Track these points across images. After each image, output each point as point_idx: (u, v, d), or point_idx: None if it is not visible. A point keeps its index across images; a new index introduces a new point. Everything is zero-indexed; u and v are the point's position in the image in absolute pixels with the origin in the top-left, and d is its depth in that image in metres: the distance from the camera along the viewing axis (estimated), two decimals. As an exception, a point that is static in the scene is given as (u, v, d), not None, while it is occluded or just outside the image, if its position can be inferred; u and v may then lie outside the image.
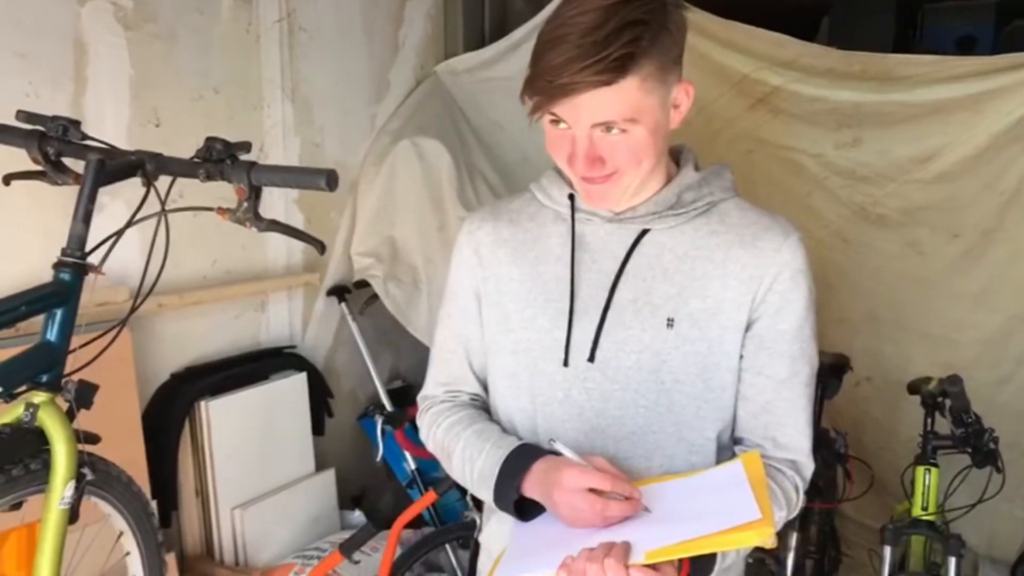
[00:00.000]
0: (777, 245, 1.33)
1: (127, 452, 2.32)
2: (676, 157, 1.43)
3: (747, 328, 1.34)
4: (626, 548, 1.13)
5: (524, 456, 1.31)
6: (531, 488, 1.28)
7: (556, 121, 1.27)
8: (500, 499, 1.32)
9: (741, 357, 1.36)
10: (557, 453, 1.27)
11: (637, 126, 1.25)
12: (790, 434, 1.37)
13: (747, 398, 1.37)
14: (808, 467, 1.39)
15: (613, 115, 1.23)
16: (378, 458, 3.22)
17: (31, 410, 1.56)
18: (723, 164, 1.44)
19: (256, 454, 2.87)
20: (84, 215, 1.58)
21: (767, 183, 3.17)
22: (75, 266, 1.59)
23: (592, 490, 1.21)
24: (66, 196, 1.85)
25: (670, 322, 1.33)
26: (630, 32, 1.19)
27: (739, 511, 1.17)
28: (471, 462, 1.38)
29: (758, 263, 1.33)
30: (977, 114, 2.89)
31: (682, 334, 1.33)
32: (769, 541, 1.13)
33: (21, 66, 2.21)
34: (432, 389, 1.54)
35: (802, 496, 1.38)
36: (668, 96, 1.28)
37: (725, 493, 1.23)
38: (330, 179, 1.52)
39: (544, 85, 1.22)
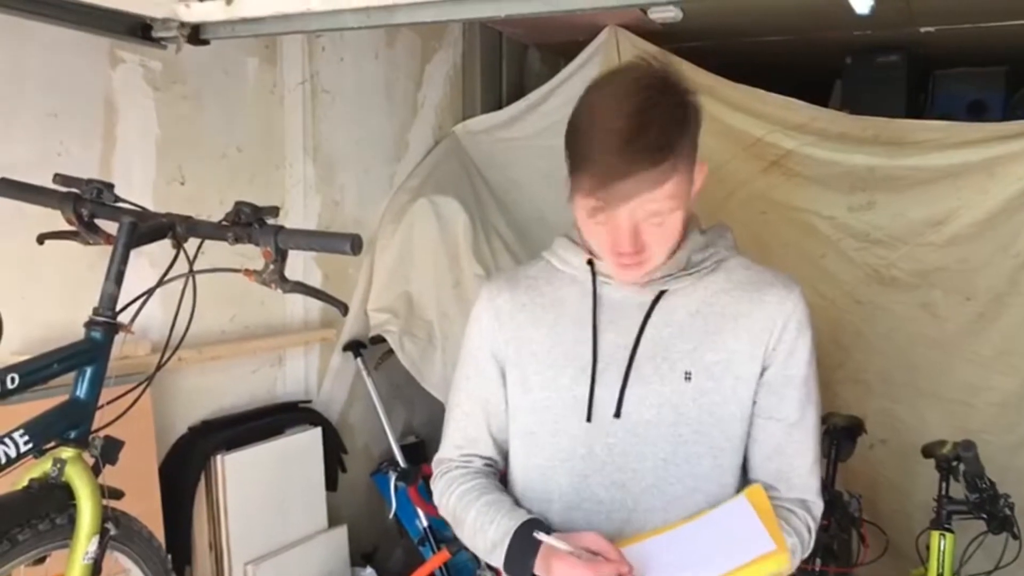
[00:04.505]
0: (782, 298, 1.41)
1: (144, 505, 2.32)
2: None
3: (760, 375, 1.41)
4: None
5: (531, 534, 1.34)
6: (539, 569, 1.32)
7: (599, 210, 1.31)
8: (512, 569, 1.36)
9: (754, 403, 1.42)
10: None
11: (676, 213, 1.32)
12: (801, 475, 1.44)
13: (759, 441, 1.43)
14: (818, 505, 1.45)
15: (661, 207, 1.30)
16: (391, 515, 3.23)
17: (59, 466, 1.59)
18: (723, 224, 1.52)
19: (270, 509, 2.87)
20: (116, 276, 1.62)
21: (781, 244, 3.19)
22: (106, 325, 1.62)
23: None
24: (91, 254, 1.90)
25: (688, 375, 1.39)
26: (670, 129, 1.28)
27: (753, 545, 1.24)
28: (482, 531, 1.41)
29: (766, 315, 1.41)
30: (990, 178, 2.93)
31: (699, 386, 1.39)
32: (786, 568, 1.20)
33: (53, 125, 2.26)
34: (448, 452, 1.56)
35: (814, 535, 1.44)
36: (694, 177, 1.36)
37: (735, 529, 1.29)
38: (355, 244, 1.56)
39: (598, 184, 1.28)
